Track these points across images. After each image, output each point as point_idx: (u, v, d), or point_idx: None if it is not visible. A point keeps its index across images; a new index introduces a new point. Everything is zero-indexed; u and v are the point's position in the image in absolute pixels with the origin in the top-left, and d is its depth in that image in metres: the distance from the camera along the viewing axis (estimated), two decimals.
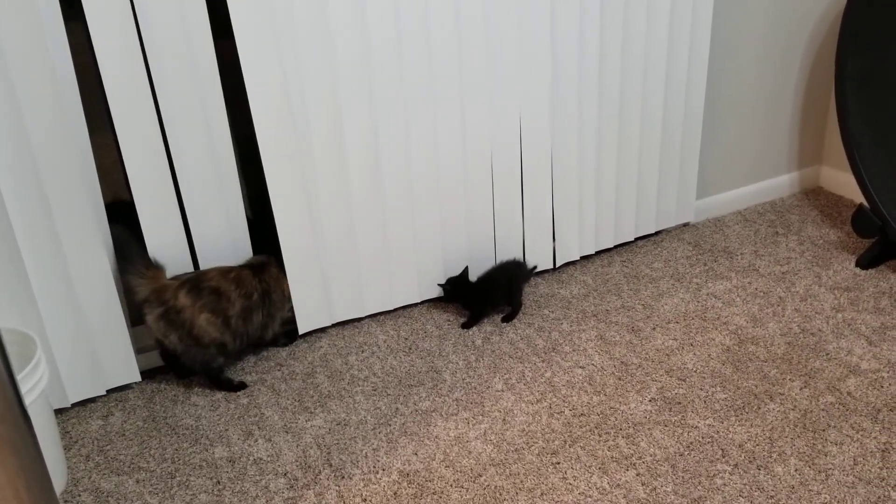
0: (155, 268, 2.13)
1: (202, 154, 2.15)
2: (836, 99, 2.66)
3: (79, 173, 1.97)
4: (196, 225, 2.21)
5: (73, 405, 2.21)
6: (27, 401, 1.74)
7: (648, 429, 2.00)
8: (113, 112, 2.01)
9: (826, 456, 1.89)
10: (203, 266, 2.25)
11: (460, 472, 1.91)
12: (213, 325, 2.14)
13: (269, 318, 2.28)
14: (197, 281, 2.14)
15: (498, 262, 2.57)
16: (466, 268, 2.50)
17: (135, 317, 2.35)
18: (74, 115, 2.00)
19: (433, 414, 2.10)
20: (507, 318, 2.46)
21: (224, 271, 2.19)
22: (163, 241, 2.18)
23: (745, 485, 1.82)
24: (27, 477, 1.51)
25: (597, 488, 1.84)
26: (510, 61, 2.34)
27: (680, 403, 2.08)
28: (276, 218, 2.23)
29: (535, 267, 2.64)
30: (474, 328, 2.43)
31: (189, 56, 2.04)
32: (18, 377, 1.72)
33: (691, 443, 1.95)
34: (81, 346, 2.13)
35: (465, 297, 2.49)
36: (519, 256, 2.60)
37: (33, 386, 1.77)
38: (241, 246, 2.30)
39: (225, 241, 2.28)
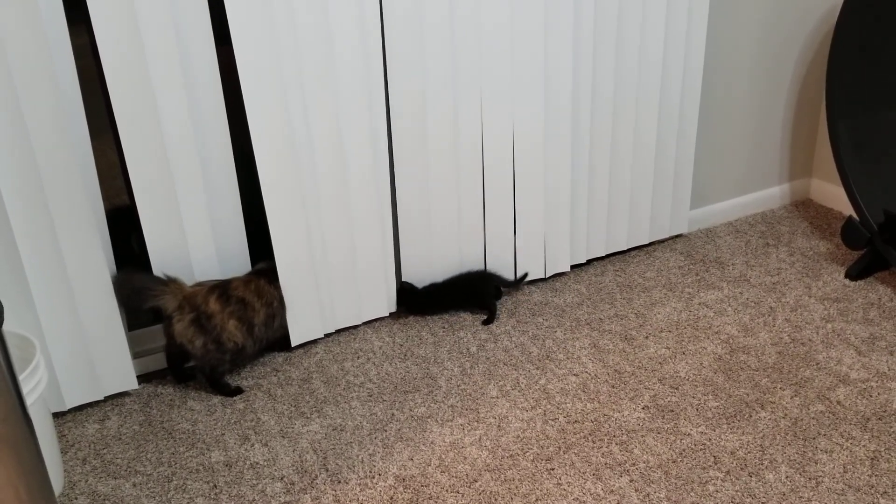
0: (173, 280, 2.17)
1: (202, 161, 2.17)
2: (826, 112, 2.70)
3: (79, 178, 1.98)
4: (193, 232, 2.23)
5: (70, 409, 2.21)
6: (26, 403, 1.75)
7: (642, 436, 2.03)
8: (116, 116, 2.02)
9: (816, 464, 1.92)
10: (200, 275, 2.27)
11: (456, 477, 1.93)
12: (239, 331, 2.20)
13: (286, 320, 2.36)
14: (225, 288, 2.19)
15: (465, 271, 2.62)
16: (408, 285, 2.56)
17: (132, 322, 2.36)
18: (76, 119, 2.01)
19: (429, 420, 2.12)
20: (486, 322, 2.51)
21: (245, 281, 2.25)
22: (164, 247, 2.19)
23: (736, 491, 1.85)
24: (28, 479, 1.52)
25: (591, 494, 1.86)
26: (504, 72, 2.37)
27: (672, 411, 2.11)
28: (270, 229, 2.24)
29: (525, 275, 2.67)
30: (468, 335, 2.45)
31: (190, 62, 2.06)
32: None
33: (684, 450, 1.98)
34: (79, 350, 2.13)
35: (426, 303, 2.56)
36: (491, 267, 2.64)
37: (32, 388, 1.78)
38: (240, 254, 2.32)
39: (223, 249, 2.30)
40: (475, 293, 2.56)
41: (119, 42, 1.95)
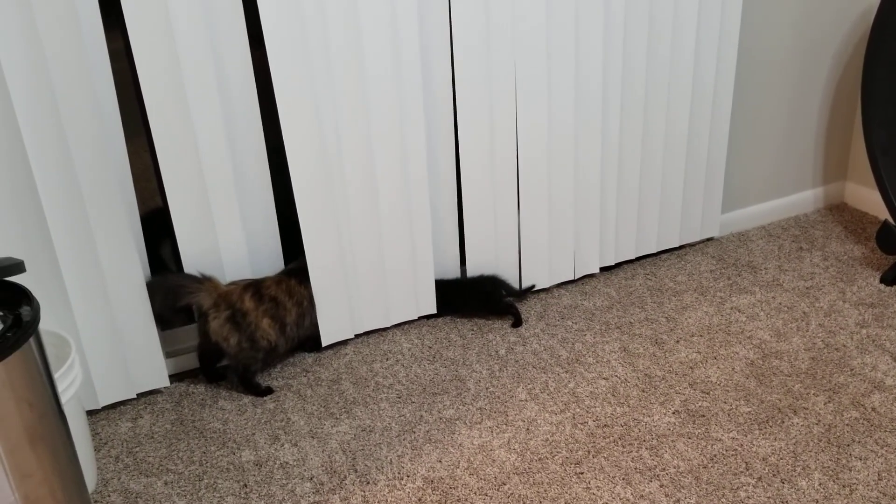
0: (208, 279, 2.19)
1: (235, 162, 2.19)
2: (861, 115, 2.66)
3: (115, 179, 2.01)
4: (225, 233, 2.25)
5: (104, 407, 2.24)
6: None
7: (672, 441, 2.01)
8: (150, 120, 2.05)
9: (850, 471, 1.89)
10: (231, 276, 2.29)
11: (484, 479, 1.93)
12: (272, 329, 2.23)
13: (316, 319, 2.37)
14: (258, 287, 2.22)
15: (477, 274, 2.60)
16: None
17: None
18: (112, 123, 2.04)
19: (457, 422, 2.12)
20: (515, 325, 2.51)
21: (276, 281, 2.27)
22: (196, 249, 2.22)
23: (768, 498, 1.83)
24: (62, 475, 1.54)
25: (620, 499, 1.85)
26: (536, 73, 2.37)
27: (704, 416, 2.09)
28: (302, 230, 2.25)
29: (531, 286, 2.65)
30: (497, 338, 2.45)
31: (225, 65, 2.08)
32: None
33: (715, 455, 1.96)
34: (113, 348, 2.16)
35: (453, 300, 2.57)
36: (499, 274, 2.62)
37: (67, 387, 1.81)
38: (272, 255, 2.34)
39: (255, 250, 2.32)
40: (488, 299, 2.53)
41: (154, 46, 1.98)
